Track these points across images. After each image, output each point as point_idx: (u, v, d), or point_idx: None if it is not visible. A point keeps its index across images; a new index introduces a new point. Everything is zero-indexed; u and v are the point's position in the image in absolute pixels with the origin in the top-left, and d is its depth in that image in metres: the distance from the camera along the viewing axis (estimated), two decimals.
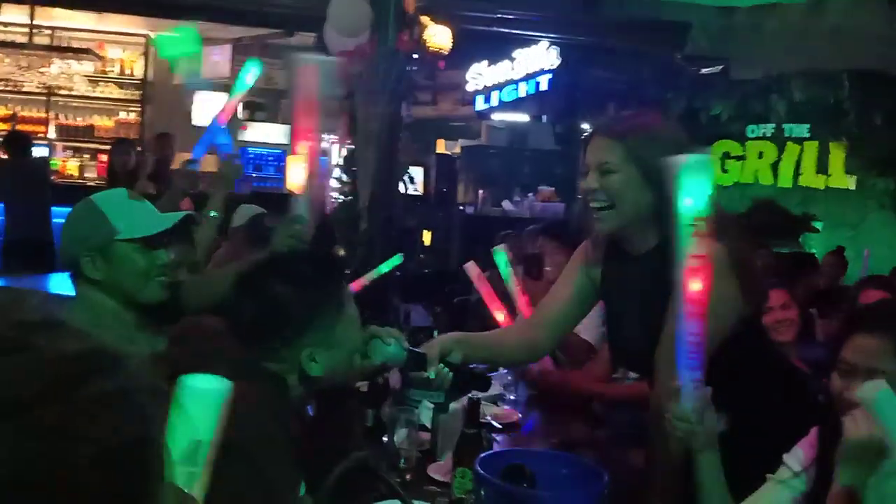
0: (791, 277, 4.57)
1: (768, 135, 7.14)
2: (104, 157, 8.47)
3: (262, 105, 9.36)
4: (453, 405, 2.31)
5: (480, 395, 2.53)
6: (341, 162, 5.13)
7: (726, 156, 7.27)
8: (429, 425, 2.32)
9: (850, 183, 6.94)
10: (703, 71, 7.04)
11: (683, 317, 1.47)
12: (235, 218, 4.26)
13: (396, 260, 3.00)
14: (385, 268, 2.92)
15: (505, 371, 3.03)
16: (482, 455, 1.79)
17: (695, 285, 1.44)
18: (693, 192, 1.42)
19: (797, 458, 1.58)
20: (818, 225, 6.67)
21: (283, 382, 1.51)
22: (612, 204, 1.79)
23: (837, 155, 6.94)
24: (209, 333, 1.56)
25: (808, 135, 6.98)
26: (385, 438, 2.19)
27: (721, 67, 6.96)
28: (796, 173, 7.11)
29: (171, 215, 1.96)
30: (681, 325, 1.48)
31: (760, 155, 7.20)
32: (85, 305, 1.87)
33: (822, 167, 7.01)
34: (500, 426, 2.60)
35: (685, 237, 1.44)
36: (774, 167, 7.16)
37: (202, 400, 0.86)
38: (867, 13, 6.29)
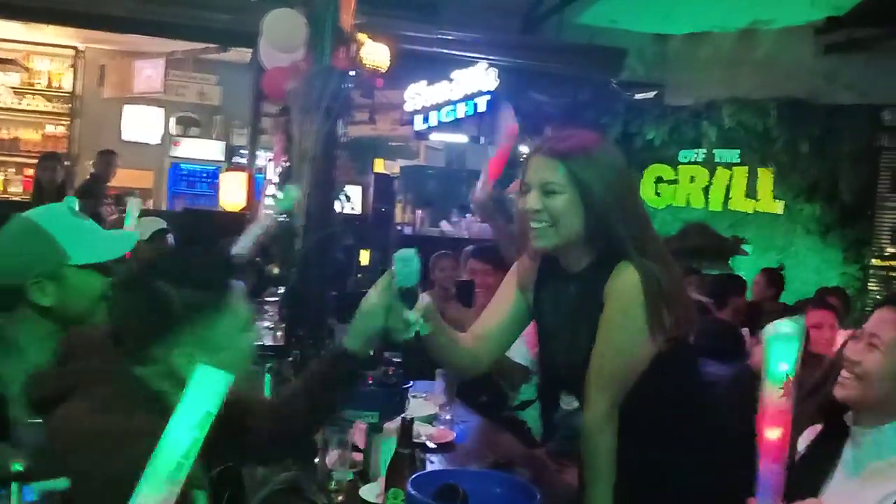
0: (721, 298, 4.69)
1: (700, 160, 7.31)
2: (30, 172, 8.21)
3: (196, 120, 9.21)
4: (387, 425, 2.26)
5: (415, 414, 2.49)
6: (277, 180, 5.05)
7: (659, 180, 7.41)
8: (361, 445, 2.26)
9: (778, 208, 7.14)
10: (638, 96, 7.17)
11: (762, 459, 1.45)
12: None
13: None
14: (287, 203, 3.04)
15: (439, 390, 2.99)
16: (415, 475, 1.75)
17: (772, 434, 1.44)
18: (784, 357, 1.43)
19: None
20: (747, 248, 6.85)
21: (168, 405, 1.44)
22: (552, 223, 1.79)
23: (766, 180, 7.15)
24: (96, 346, 1.48)
25: (738, 160, 7.18)
26: (316, 459, 2.13)
27: (655, 93, 7.10)
28: (726, 197, 7.29)
29: (124, 237, 1.84)
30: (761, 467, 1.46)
31: (692, 179, 7.36)
32: (23, 331, 1.71)
33: (751, 192, 7.21)
34: (434, 446, 2.56)
35: (769, 395, 1.44)
36: (706, 191, 7.33)
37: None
38: (795, 44, 6.52)
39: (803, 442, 1.76)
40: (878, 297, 6.92)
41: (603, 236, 1.79)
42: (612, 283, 1.76)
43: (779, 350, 1.43)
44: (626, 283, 1.75)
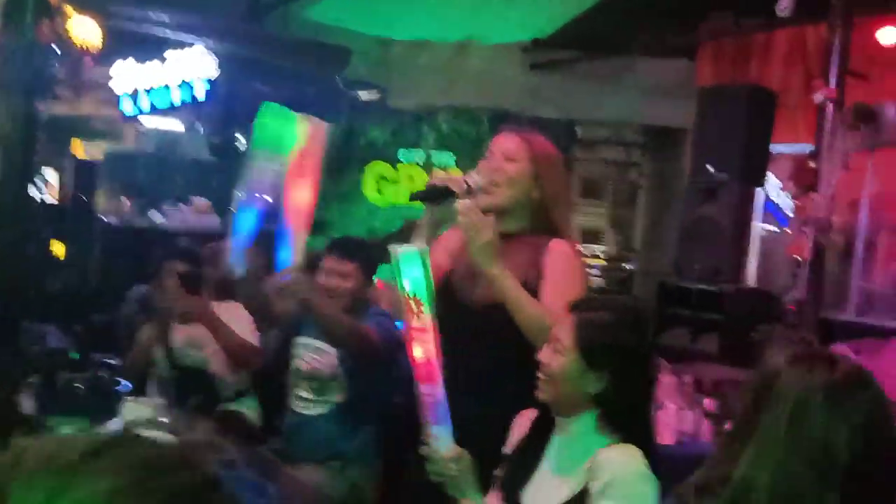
0: None
1: (418, 161, 7.63)
2: None
3: None
4: (99, 429, 2.09)
5: (129, 418, 2.34)
6: None
7: (382, 178, 7.64)
8: None
9: None
10: (362, 96, 7.29)
11: (419, 384, 1.68)
12: None
13: None
14: None
15: (155, 392, 2.84)
16: None
17: (417, 352, 1.62)
18: (409, 276, 1.60)
19: None
20: None
21: None
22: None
23: None
24: None
25: (453, 163, 7.59)
26: None
27: (379, 95, 7.26)
28: None
29: None
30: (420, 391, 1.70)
31: (411, 178, 7.67)
32: None
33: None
34: None
35: (402, 312, 1.64)
36: None
37: None
38: (505, 60, 7.00)
39: (517, 433, 1.88)
40: None
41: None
42: None
43: (404, 270, 1.61)
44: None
